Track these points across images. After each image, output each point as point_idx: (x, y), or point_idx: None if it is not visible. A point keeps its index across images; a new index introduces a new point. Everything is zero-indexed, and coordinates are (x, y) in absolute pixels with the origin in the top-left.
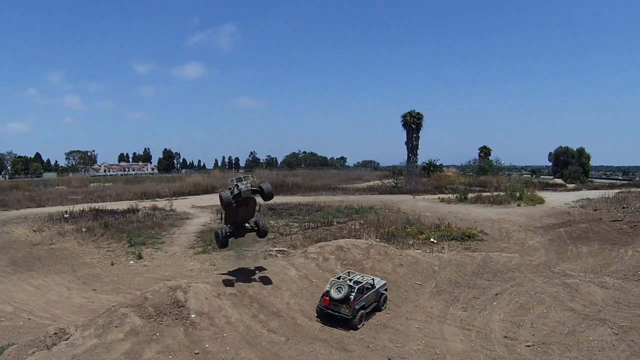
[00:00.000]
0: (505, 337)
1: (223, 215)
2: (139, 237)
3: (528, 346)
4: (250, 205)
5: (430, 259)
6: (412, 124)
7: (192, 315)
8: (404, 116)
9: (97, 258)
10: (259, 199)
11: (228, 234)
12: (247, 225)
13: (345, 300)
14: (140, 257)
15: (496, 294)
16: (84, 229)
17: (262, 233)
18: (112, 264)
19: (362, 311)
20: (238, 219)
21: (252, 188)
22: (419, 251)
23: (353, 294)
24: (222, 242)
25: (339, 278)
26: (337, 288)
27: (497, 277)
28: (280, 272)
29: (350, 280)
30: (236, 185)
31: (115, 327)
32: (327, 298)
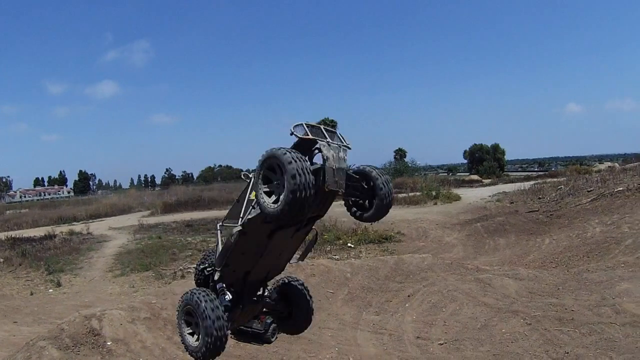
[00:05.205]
0: (418, 337)
1: (221, 242)
2: (57, 264)
3: (440, 344)
4: (302, 232)
5: (343, 267)
6: None
7: (108, 343)
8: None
9: (17, 289)
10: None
11: (227, 319)
12: (266, 294)
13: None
14: (59, 284)
15: (409, 296)
16: (1, 260)
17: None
18: (32, 294)
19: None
20: (258, 267)
21: (349, 169)
22: (337, 257)
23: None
24: (215, 342)
25: None
26: None
27: (409, 278)
28: None
29: None
30: (314, 143)
31: None
32: None
